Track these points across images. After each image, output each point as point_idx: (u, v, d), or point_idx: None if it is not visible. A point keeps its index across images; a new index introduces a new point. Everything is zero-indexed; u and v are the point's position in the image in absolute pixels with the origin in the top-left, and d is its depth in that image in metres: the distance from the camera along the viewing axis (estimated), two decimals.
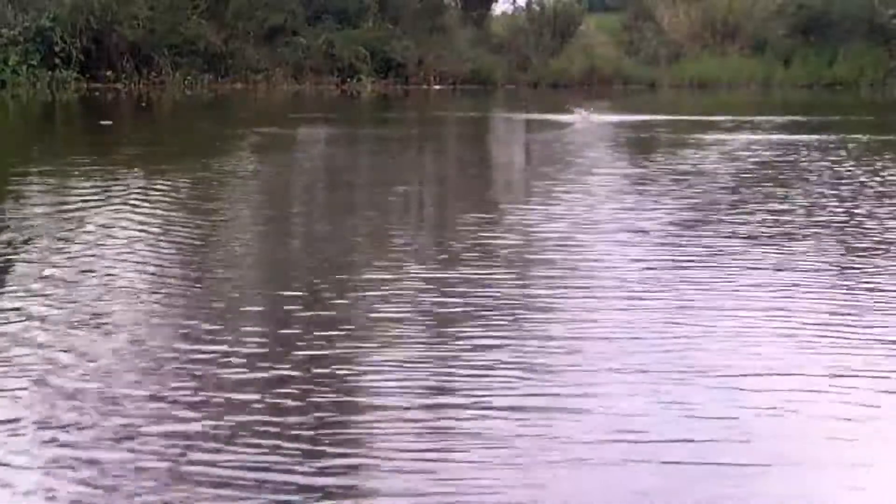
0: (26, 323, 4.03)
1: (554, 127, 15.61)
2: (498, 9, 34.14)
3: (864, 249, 5.84)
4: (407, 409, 3.16)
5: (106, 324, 4.05)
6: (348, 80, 28.36)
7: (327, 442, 2.90)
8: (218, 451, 2.81)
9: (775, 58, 31.54)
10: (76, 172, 9.02)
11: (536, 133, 15.62)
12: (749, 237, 6.15)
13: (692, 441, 2.96)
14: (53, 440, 2.88)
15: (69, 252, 5.48)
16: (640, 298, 4.61)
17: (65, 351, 3.69)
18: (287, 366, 3.56)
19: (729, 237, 6.15)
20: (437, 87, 29.15)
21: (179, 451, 2.79)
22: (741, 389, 3.41)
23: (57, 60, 24.51)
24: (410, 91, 27.90)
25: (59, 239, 5.88)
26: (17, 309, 4.22)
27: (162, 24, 26.03)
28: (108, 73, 25.50)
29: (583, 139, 13.49)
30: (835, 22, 31.40)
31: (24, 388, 3.29)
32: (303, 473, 2.69)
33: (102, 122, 15.68)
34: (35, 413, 3.07)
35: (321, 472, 2.71)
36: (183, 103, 21.95)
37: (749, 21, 32.20)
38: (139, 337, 3.89)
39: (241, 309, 4.40)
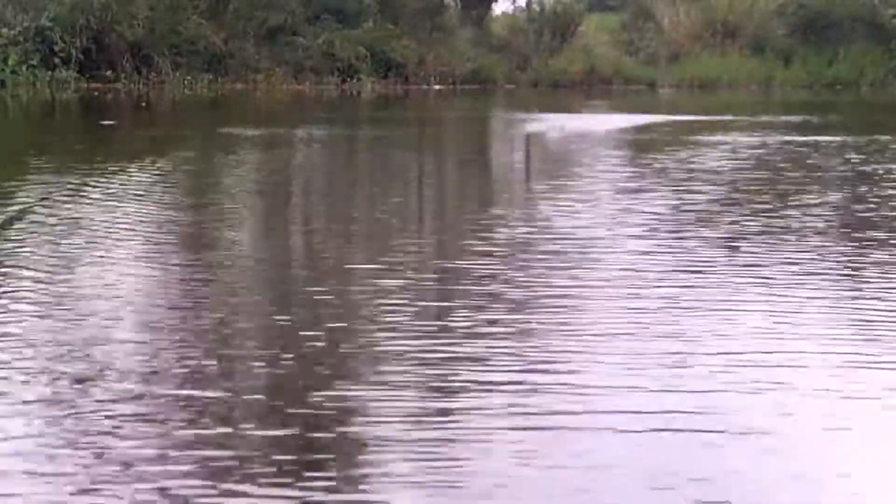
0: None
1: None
2: (498, 9, 34.22)
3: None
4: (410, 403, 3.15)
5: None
6: (348, 80, 28.35)
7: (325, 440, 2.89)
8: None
9: (775, 58, 31.59)
10: (82, 171, 9.01)
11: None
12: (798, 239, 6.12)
13: (689, 412, 3.08)
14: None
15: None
16: (651, 287, 4.65)
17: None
18: (281, 369, 3.54)
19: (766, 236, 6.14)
20: (438, 86, 29.15)
21: (170, 470, 2.70)
22: (744, 372, 3.47)
23: (57, 60, 24.47)
24: (410, 91, 27.90)
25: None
26: None
27: (162, 24, 26.01)
28: (108, 73, 25.47)
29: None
30: (835, 22, 31.45)
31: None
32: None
33: (103, 122, 15.66)
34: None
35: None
36: (183, 103, 21.95)
37: (749, 21, 32.22)
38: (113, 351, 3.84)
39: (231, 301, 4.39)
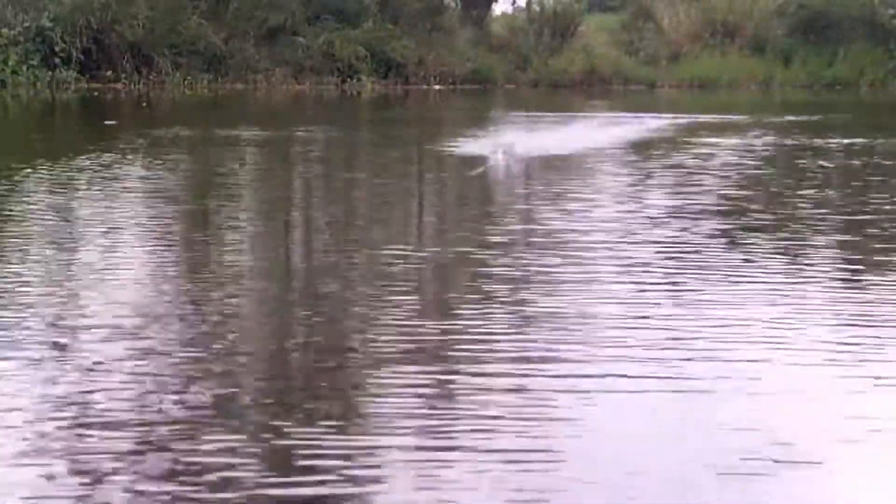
0: None
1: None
2: (498, 9, 34.22)
3: None
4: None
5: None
6: (348, 80, 28.33)
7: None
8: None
9: (775, 58, 31.59)
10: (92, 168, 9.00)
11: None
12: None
13: (685, 378, 3.40)
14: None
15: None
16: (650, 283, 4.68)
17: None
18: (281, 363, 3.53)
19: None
20: (438, 87, 29.14)
21: (173, 474, 2.67)
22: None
23: (57, 60, 24.46)
24: (410, 91, 27.88)
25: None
26: None
27: (162, 24, 25.98)
28: (108, 73, 25.45)
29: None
30: (835, 22, 31.44)
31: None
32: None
33: (107, 122, 15.65)
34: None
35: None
36: (183, 103, 21.93)
37: (749, 21, 32.22)
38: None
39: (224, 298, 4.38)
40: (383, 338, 3.78)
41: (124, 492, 2.53)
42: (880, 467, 2.78)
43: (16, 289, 4.50)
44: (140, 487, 2.55)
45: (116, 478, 2.60)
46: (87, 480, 2.58)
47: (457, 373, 3.42)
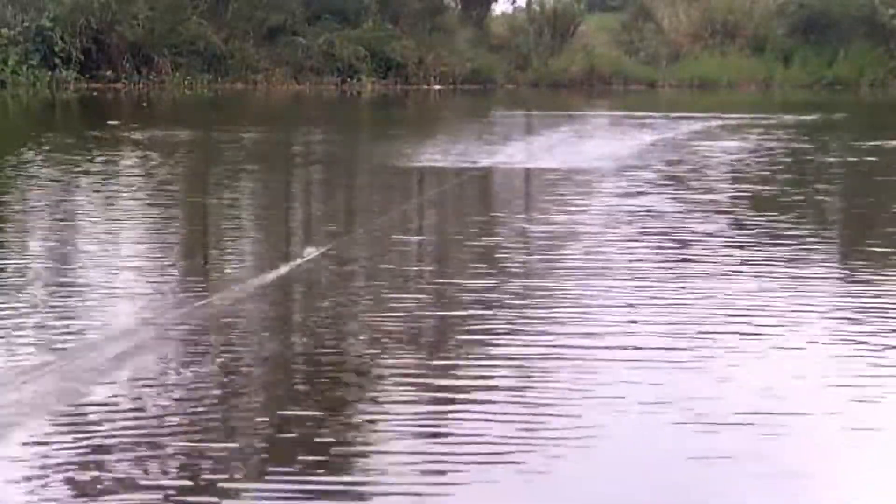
0: None
1: None
2: (498, 9, 34.19)
3: None
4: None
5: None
6: (348, 80, 28.30)
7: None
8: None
9: (775, 58, 31.55)
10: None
11: None
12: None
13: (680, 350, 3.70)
14: None
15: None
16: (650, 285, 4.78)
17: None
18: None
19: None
20: (438, 87, 29.11)
21: (177, 463, 2.72)
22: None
23: (57, 60, 24.40)
24: (410, 91, 27.85)
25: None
26: None
27: (162, 24, 25.94)
28: (108, 73, 25.40)
29: None
30: (835, 22, 31.41)
31: None
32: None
33: (109, 122, 15.62)
34: None
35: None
36: (184, 103, 21.89)
37: (749, 21, 32.20)
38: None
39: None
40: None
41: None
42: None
43: None
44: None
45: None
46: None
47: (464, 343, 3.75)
